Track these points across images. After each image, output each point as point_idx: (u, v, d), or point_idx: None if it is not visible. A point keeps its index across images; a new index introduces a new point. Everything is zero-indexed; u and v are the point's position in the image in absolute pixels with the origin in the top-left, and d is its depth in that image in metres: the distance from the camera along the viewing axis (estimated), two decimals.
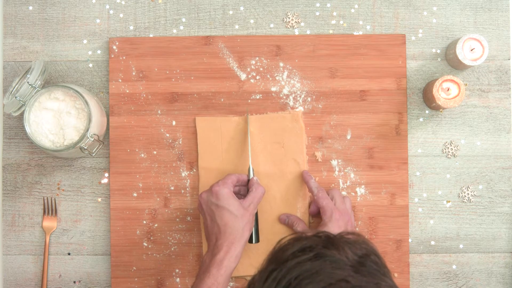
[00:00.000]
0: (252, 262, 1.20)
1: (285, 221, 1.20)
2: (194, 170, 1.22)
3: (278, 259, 0.77)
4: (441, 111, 1.24)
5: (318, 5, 1.25)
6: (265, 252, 1.19)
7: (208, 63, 1.23)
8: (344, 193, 1.22)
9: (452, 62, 1.22)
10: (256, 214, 1.17)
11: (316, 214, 1.20)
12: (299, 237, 0.79)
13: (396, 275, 1.21)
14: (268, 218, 1.21)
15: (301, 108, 1.23)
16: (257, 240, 1.17)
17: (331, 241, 0.77)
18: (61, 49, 1.25)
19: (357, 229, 1.21)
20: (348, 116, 1.23)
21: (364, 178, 1.22)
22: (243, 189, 1.17)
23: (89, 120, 1.13)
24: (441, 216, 1.23)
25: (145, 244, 1.22)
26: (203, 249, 1.21)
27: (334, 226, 1.12)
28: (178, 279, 1.22)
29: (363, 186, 1.22)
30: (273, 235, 1.20)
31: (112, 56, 1.23)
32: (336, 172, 1.22)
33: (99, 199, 1.23)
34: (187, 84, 1.23)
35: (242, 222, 1.09)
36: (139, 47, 1.23)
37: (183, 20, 1.25)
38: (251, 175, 1.17)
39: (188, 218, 1.22)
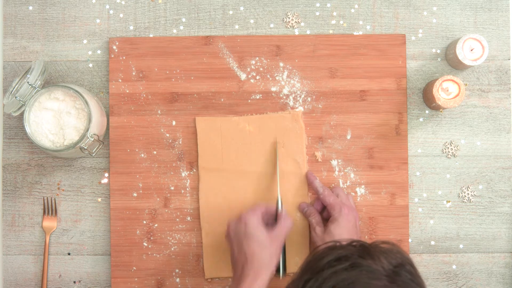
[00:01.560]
0: None
1: (304, 209, 1.19)
2: (194, 170, 1.22)
3: (313, 268, 0.77)
4: (441, 111, 1.24)
5: (318, 5, 1.25)
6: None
7: (208, 63, 1.23)
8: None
9: (452, 62, 1.22)
10: (284, 247, 1.16)
11: (320, 212, 1.20)
12: (334, 246, 0.79)
13: None
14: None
15: (301, 108, 1.23)
16: (284, 274, 1.16)
17: (367, 251, 0.77)
18: (61, 49, 1.25)
19: (360, 222, 1.20)
20: (348, 116, 1.23)
21: (364, 178, 1.22)
22: (271, 219, 1.15)
23: (89, 120, 1.13)
24: (441, 216, 1.23)
25: (145, 244, 1.22)
26: (203, 249, 1.21)
27: (344, 221, 1.13)
28: (178, 279, 1.22)
29: (363, 186, 1.22)
30: None
31: (112, 56, 1.23)
32: (336, 172, 1.22)
33: (99, 199, 1.23)
34: (187, 84, 1.23)
35: (269, 252, 1.06)
36: (139, 47, 1.23)
37: (183, 20, 1.25)
38: (280, 207, 1.16)
39: (188, 218, 1.22)
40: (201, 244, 1.22)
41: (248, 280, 1.04)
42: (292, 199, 1.21)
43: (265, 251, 1.06)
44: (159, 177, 1.22)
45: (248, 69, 1.23)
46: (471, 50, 1.17)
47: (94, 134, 1.14)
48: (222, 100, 1.23)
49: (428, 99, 1.21)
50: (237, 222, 1.10)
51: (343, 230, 1.13)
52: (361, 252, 0.77)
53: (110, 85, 1.23)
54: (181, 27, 1.25)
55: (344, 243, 0.79)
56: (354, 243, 0.79)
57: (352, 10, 1.25)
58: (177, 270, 1.22)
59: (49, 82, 1.24)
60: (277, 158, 1.20)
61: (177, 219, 1.22)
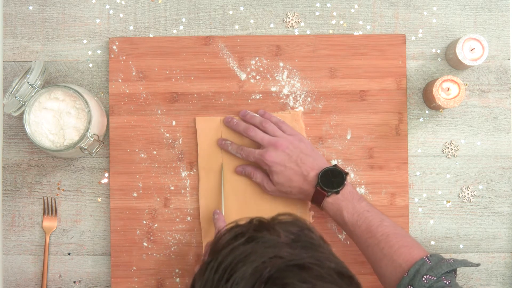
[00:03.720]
0: None
1: (242, 172, 1.20)
2: (194, 170, 1.22)
3: (214, 250, 0.78)
4: (441, 111, 1.24)
5: (318, 5, 1.25)
6: None
7: (208, 63, 1.23)
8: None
9: (452, 62, 1.22)
10: None
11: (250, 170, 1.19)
12: (232, 226, 0.80)
13: None
14: None
15: (301, 108, 1.23)
16: None
17: (263, 224, 0.79)
18: (61, 49, 1.25)
19: (304, 142, 1.17)
20: (348, 116, 1.23)
21: (364, 178, 1.22)
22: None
23: (89, 120, 1.13)
24: (441, 216, 1.23)
25: (145, 244, 1.22)
26: (203, 249, 1.21)
27: (276, 166, 1.12)
28: (178, 279, 1.22)
29: (363, 186, 1.22)
30: None
31: (112, 56, 1.23)
32: None
33: (99, 199, 1.23)
34: (187, 84, 1.23)
35: None
36: (139, 47, 1.23)
37: (183, 20, 1.25)
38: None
39: (188, 218, 1.22)
40: (201, 244, 1.22)
41: None
42: (292, 199, 1.21)
43: None
44: (159, 177, 1.22)
45: (248, 69, 1.23)
46: (471, 50, 1.17)
47: (94, 134, 1.14)
48: (222, 100, 1.23)
49: (428, 99, 1.21)
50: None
51: (284, 173, 1.12)
52: (257, 227, 0.78)
53: (110, 85, 1.23)
54: (181, 27, 1.25)
55: (243, 222, 0.80)
56: (252, 220, 0.80)
57: (352, 10, 1.25)
58: (177, 270, 1.22)
59: (49, 82, 1.24)
60: (222, 182, 1.20)
61: (177, 219, 1.22)
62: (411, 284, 0.98)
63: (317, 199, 1.11)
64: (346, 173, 1.12)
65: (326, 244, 0.79)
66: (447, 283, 0.97)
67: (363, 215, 1.08)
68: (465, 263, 1.00)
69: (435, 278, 0.97)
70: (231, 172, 1.21)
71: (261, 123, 1.17)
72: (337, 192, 1.10)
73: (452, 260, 1.00)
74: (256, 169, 1.18)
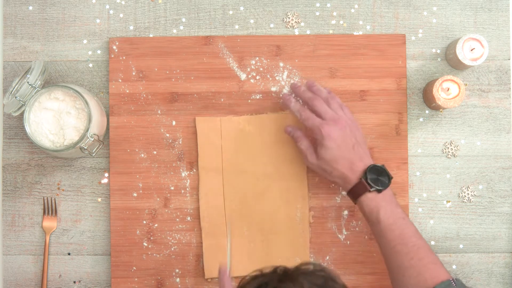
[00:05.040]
0: (252, 260, 1.20)
1: (290, 133, 1.18)
2: (194, 170, 1.22)
3: None
4: (441, 111, 1.24)
5: (318, 5, 1.25)
6: (266, 252, 1.20)
7: (208, 63, 1.23)
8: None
9: (452, 62, 1.22)
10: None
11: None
12: (257, 275, 0.80)
13: None
14: (268, 218, 1.21)
15: None
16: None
17: (287, 275, 0.78)
18: (61, 49, 1.25)
19: (360, 133, 1.15)
20: None
21: None
22: None
23: (89, 120, 1.13)
24: (441, 216, 1.23)
25: (145, 244, 1.22)
26: (203, 249, 1.21)
27: (330, 142, 1.11)
28: (178, 279, 1.22)
29: None
30: (273, 235, 1.21)
31: (112, 56, 1.23)
32: None
33: (99, 199, 1.23)
34: (187, 84, 1.23)
35: None
36: (139, 47, 1.23)
37: (183, 20, 1.25)
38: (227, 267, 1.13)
39: (188, 218, 1.22)
40: (201, 244, 1.22)
41: None
42: (293, 199, 1.21)
43: None
44: (159, 177, 1.22)
45: (248, 69, 1.23)
46: (471, 50, 1.17)
47: (94, 134, 1.14)
48: (222, 100, 1.23)
49: (428, 99, 1.21)
50: None
51: (334, 152, 1.11)
52: (281, 277, 0.78)
53: (110, 85, 1.23)
54: (181, 27, 1.25)
55: (267, 270, 0.80)
56: (277, 269, 0.80)
57: (352, 10, 1.25)
58: (177, 270, 1.22)
59: (49, 82, 1.24)
60: (228, 233, 1.20)
61: (177, 219, 1.22)
62: None
63: (357, 191, 1.10)
64: (392, 177, 1.11)
65: None
66: None
67: (399, 221, 1.07)
68: None
69: None
70: (231, 172, 1.21)
71: (327, 98, 1.16)
72: (379, 191, 1.09)
73: None
74: (305, 137, 1.16)
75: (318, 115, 1.14)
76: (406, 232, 1.06)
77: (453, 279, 1.01)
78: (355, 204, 1.12)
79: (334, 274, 0.79)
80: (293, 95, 1.19)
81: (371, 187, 1.09)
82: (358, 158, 1.11)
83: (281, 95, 1.20)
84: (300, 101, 1.18)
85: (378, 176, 1.10)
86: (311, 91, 1.17)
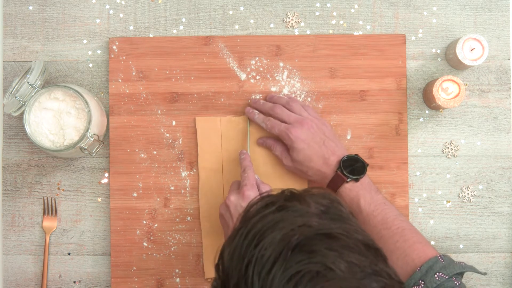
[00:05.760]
0: None
1: (262, 144, 1.20)
2: (194, 170, 1.22)
3: (244, 217, 0.79)
4: (441, 111, 1.24)
5: (318, 5, 1.25)
6: None
7: (208, 63, 1.23)
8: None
9: (452, 62, 1.22)
10: None
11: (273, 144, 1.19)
12: (264, 196, 0.81)
13: None
14: None
15: None
16: None
17: (294, 195, 0.80)
18: (61, 49, 1.25)
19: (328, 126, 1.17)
20: (348, 116, 1.23)
21: None
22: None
23: (89, 120, 1.13)
24: (441, 216, 1.23)
25: (145, 244, 1.22)
26: (203, 249, 1.21)
27: (299, 143, 1.13)
28: (178, 279, 1.22)
29: None
30: None
31: (112, 56, 1.23)
32: None
33: (99, 199, 1.23)
34: (187, 84, 1.23)
35: None
36: (139, 47, 1.23)
37: (183, 20, 1.25)
38: (256, 177, 1.15)
39: (188, 218, 1.22)
40: (201, 244, 1.22)
41: None
42: None
43: None
44: (159, 177, 1.22)
45: (248, 69, 1.23)
46: (471, 50, 1.17)
47: (94, 134, 1.14)
48: (222, 100, 1.23)
49: (428, 99, 1.21)
50: (238, 198, 1.09)
51: (306, 152, 1.13)
52: (288, 197, 0.80)
53: (110, 85, 1.23)
54: (181, 27, 1.25)
55: (274, 193, 0.82)
56: (284, 191, 0.81)
57: (352, 10, 1.25)
58: (177, 270, 1.22)
59: (49, 82, 1.24)
60: (247, 127, 1.20)
61: (177, 219, 1.22)
62: (422, 279, 0.99)
63: (335, 184, 1.12)
64: (367, 164, 1.13)
65: (354, 218, 0.80)
66: (457, 284, 0.98)
67: (380, 206, 1.09)
68: (474, 270, 1.01)
69: (447, 277, 0.98)
70: (231, 172, 1.21)
71: (287, 103, 1.18)
72: (357, 180, 1.11)
73: (463, 263, 1.01)
74: (277, 142, 1.19)
75: (282, 121, 1.16)
76: (389, 216, 1.08)
77: (440, 255, 1.02)
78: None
79: (340, 199, 0.81)
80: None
81: (347, 177, 1.10)
82: (330, 152, 1.13)
83: (245, 111, 1.21)
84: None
85: (353, 166, 1.12)
86: (271, 101, 1.20)
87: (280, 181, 1.21)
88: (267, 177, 1.21)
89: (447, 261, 1.01)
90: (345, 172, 1.11)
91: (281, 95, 1.21)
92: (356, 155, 1.13)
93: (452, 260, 1.02)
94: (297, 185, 1.20)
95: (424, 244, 1.05)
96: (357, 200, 1.10)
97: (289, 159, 1.16)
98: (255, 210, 0.79)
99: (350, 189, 1.11)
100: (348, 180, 1.11)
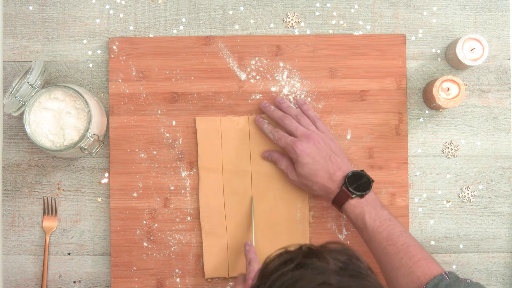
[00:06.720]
0: None
1: (268, 158, 1.20)
2: (194, 170, 1.22)
3: (263, 275, 0.79)
4: (441, 111, 1.24)
5: (318, 5, 1.25)
6: (266, 252, 1.20)
7: (208, 63, 1.23)
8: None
9: (452, 62, 1.22)
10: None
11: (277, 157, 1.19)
12: (282, 252, 0.81)
13: None
14: (268, 218, 1.21)
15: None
16: None
17: (312, 252, 0.79)
18: (61, 49, 1.25)
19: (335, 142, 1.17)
20: (348, 116, 1.23)
21: None
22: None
23: (89, 120, 1.13)
24: (441, 216, 1.23)
25: (145, 244, 1.22)
26: (203, 249, 1.21)
27: (305, 157, 1.13)
28: (178, 279, 1.22)
29: None
30: (274, 235, 1.21)
31: (112, 56, 1.23)
32: None
33: (99, 199, 1.23)
34: (187, 84, 1.23)
35: None
36: (139, 47, 1.23)
37: (183, 20, 1.25)
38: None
39: (188, 218, 1.22)
40: (201, 244, 1.22)
41: None
42: (292, 199, 1.21)
43: None
44: (159, 177, 1.22)
45: (248, 69, 1.23)
46: (471, 50, 1.17)
47: (94, 134, 1.14)
48: (222, 100, 1.23)
49: (428, 99, 1.21)
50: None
51: (310, 166, 1.13)
52: (306, 254, 0.79)
53: (110, 85, 1.23)
54: (181, 27, 1.25)
55: (292, 248, 0.81)
56: (302, 246, 0.81)
57: (352, 10, 1.25)
58: (177, 270, 1.22)
59: (49, 82, 1.24)
60: (252, 210, 1.20)
61: (177, 219, 1.22)
62: None
63: (340, 200, 1.12)
64: (373, 180, 1.12)
65: (374, 274, 0.79)
66: None
67: (385, 222, 1.08)
68: (480, 287, 1.01)
69: None
70: (231, 172, 1.21)
71: (296, 115, 1.18)
72: (362, 196, 1.10)
73: (469, 281, 1.00)
74: (283, 156, 1.19)
75: (290, 133, 1.16)
76: (394, 232, 1.07)
77: (445, 273, 1.01)
78: (342, 212, 1.14)
79: (358, 254, 0.81)
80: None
81: (352, 193, 1.10)
82: (336, 168, 1.13)
83: (256, 119, 1.21)
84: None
85: (358, 181, 1.11)
86: (281, 109, 1.20)
87: (280, 180, 1.21)
88: (268, 177, 1.21)
89: (453, 279, 1.00)
90: (350, 188, 1.10)
91: (290, 104, 1.20)
92: (362, 171, 1.13)
93: (458, 277, 1.01)
94: (300, 199, 1.20)
95: (430, 260, 1.04)
96: (362, 216, 1.09)
97: (294, 174, 1.16)
98: (273, 267, 0.78)
99: (355, 205, 1.10)
100: (353, 196, 1.10)
